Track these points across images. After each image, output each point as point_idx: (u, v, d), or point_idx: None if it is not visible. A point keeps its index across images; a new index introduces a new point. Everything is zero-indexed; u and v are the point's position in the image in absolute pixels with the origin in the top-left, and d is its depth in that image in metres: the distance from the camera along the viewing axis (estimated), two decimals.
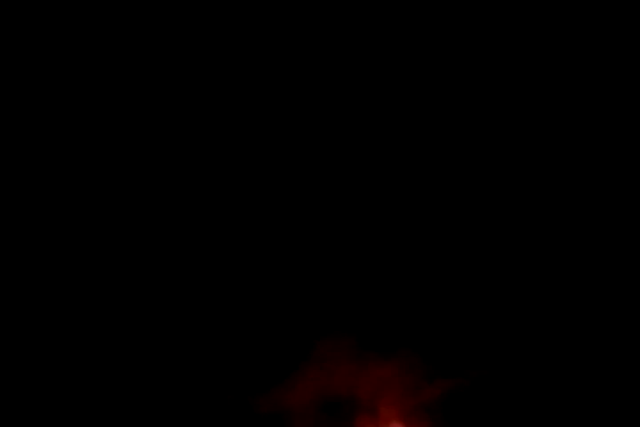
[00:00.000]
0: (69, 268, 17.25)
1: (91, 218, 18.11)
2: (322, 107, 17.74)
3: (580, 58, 15.56)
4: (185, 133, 18.77)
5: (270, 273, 17.10)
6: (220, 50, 17.90)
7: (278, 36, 17.38)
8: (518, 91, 16.92)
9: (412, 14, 16.21)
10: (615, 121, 15.56)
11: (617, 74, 15.19)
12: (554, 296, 15.90)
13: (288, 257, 17.16)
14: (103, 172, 18.79)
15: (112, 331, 15.19)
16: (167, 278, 16.35)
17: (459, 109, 17.26)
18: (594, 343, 15.51)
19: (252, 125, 18.30)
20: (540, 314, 16.19)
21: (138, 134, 18.63)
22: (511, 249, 15.47)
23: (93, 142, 18.35)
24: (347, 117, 17.66)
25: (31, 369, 15.34)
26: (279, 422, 17.96)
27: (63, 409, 14.77)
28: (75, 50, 17.21)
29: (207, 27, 17.32)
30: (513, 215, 15.26)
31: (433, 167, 16.99)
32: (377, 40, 17.23)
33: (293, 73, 17.64)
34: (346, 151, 17.54)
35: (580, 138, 16.13)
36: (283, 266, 17.32)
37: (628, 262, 14.67)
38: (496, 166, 17.03)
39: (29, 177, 18.10)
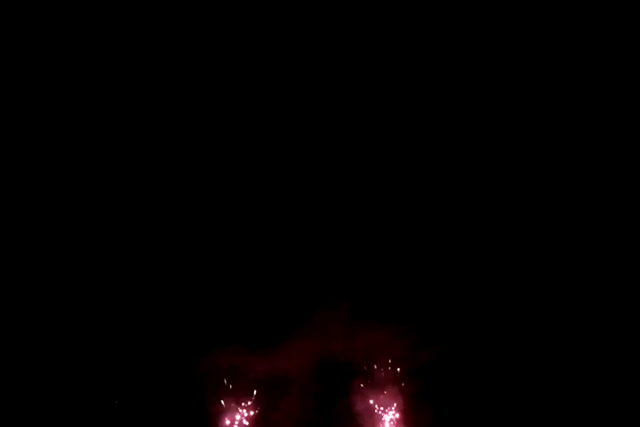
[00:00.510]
0: (69, 268, 17.19)
1: (91, 219, 17.90)
2: (321, 110, 17.44)
3: (580, 62, 15.13)
4: (184, 135, 18.37)
5: (267, 242, 17.26)
6: (219, 52, 17.37)
7: (278, 38, 16.87)
8: (517, 93, 16.50)
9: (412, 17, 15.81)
10: (614, 124, 15.23)
11: (616, 76, 14.74)
12: (542, 272, 15.97)
13: (285, 226, 17.29)
14: (103, 173, 18.46)
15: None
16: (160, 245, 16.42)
17: (458, 112, 16.97)
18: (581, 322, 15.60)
19: (251, 127, 17.97)
20: (530, 286, 16.27)
21: (138, 136, 18.23)
22: (507, 229, 15.56)
23: (93, 144, 17.96)
24: (345, 120, 17.39)
25: (31, 369, 15.39)
26: (275, 386, 18.22)
27: (62, 408, 14.90)
28: (75, 51, 16.66)
29: (208, 28, 16.76)
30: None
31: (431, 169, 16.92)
32: (377, 44, 16.79)
33: (293, 76, 17.24)
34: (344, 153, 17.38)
35: (580, 140, 15.87)
36: (280, 235, 17.42)
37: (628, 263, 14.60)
38: (495, 169, 16.86)
39: (30, 178, 17.71)
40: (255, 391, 20.33)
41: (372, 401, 19.54)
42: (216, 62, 18.08)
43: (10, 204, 18.25)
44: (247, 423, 20.24)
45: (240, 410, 20.56)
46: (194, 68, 17.99)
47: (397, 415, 19.51)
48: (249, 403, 20.52)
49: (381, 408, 19.58)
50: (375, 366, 19.22)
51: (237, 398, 20.56)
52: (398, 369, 19.24)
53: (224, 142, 18.70)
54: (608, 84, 15.96)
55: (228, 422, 20.15)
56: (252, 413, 20.34)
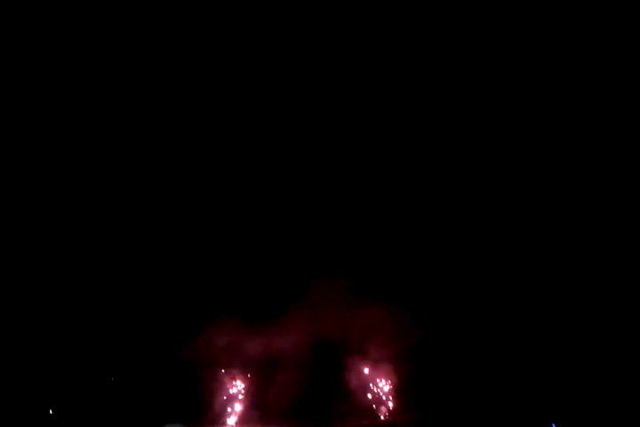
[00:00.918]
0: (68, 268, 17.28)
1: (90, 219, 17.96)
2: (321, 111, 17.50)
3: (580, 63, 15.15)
4: (185, 135, 18.40)
5: (264, 217, 17.36)
6: (219, 52, 17.31)
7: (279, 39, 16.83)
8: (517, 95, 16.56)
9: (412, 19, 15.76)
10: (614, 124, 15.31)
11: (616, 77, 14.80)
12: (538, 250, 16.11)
13: (283, 201, 17.37)
14: (103, 173, 18.49)
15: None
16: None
17: (459, 113, 17.05)
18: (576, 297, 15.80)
19: (251, 127, 17.99)
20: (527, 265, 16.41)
21: (138, 136, 18.24)
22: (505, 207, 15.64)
23: (93, 144, 17.95)
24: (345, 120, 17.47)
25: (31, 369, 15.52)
26: (271, 362, 18.37)
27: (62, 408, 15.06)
28: (75, 51, 16.53)
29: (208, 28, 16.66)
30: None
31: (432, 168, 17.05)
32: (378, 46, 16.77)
33: (294, 76, 17.26)
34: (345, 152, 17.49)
35: (580, 141, 15.99)
36: (277, 210, 17.53)
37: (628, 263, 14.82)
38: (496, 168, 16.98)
39: (30, 178, 17.69)
40: (251, 368, 20.55)
41: (366, 378, 19.76)
42: (216, 62, 18.02)
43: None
44: (243, 400, 20.46)
45: (236, 387, 20.77)
46: (194, 68, 17.94)
47: (392, 392, 19.74)
48: (244, 380, 20.77)
49: (376, 385, 19.80)
50: (371, 343, 19.43)
51: (233, 375, 20.78)
52: (393, 346, 19.45)
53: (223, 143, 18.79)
54: (608, 84, 16.03)
55: (223, 398, 20.37)
56: (247, 389, 20.56)
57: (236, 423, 20.27)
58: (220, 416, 20.38)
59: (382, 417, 19.58)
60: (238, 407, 20.33)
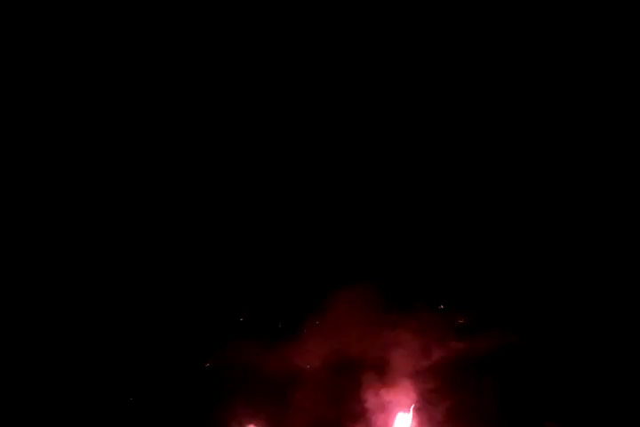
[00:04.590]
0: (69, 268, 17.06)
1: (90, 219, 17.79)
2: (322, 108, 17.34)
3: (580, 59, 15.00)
4: (185, 134, 18.27)
5: (282, 228, 17.09)
6: (220, 51, 17.21)
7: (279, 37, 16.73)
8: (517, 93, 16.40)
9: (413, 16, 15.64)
10: (615, 123, 15.10)
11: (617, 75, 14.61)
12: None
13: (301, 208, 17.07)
14: (103, 172, 18.36)
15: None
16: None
17: (459, 112, 16.85)
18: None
19: (251, 126, 17.83)
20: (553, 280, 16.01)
21: (138, 135, 18.11)
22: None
23: (93, 143, 17.84)
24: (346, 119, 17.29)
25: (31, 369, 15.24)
26: (289, 380, 18.00)
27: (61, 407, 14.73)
28: (76, 51, 16.47)
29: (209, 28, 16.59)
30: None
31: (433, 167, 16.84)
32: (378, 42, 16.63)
33: (294, 74, 17.11)
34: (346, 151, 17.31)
35: (580, 139, 15.75)
36: (296, 219, 17.24)
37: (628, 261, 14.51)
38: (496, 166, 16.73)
39: (30, 177, 17.61)
40: (268, 386, 20.38)
41: (385, 397, 19.52)
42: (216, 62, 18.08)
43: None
44: (260, 419, 20.24)
45: (253, 406, 20.57)
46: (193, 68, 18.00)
47: (410, 412, 19.46)
48: (262, 399, 20.57)
49: (394, 405, 19.54)
50: (390, 362, 19.21)
51: (250, 394, 20.54)
52: (413, 365, 19.22)
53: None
54: (608, 84, 15.89)
55: (241, 417, 20.16)
56: (264, 408, 20.35)
57: None
58: None
59: None
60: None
